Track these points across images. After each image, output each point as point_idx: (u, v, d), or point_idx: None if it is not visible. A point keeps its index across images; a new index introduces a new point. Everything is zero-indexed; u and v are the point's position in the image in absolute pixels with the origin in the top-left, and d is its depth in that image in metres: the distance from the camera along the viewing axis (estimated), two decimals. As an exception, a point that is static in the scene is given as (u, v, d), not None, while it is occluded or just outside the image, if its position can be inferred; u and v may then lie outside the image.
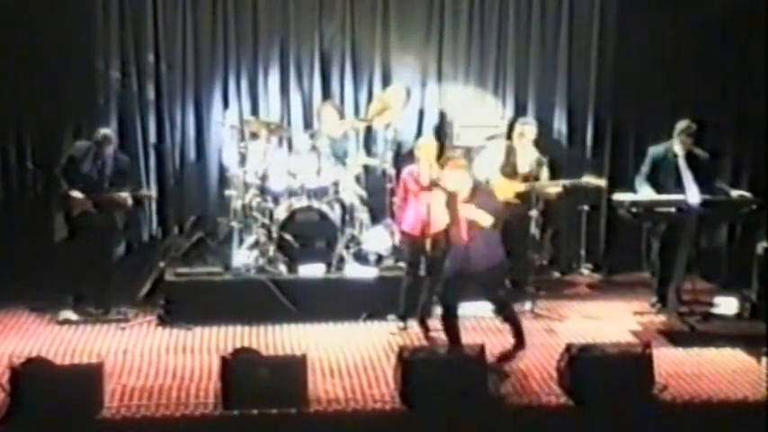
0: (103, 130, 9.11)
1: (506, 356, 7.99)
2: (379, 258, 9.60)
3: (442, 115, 10.78)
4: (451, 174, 7.88)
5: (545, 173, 9.40)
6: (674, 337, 8.58)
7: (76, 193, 8.86)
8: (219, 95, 10.70)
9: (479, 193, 7.86)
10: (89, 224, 8.93)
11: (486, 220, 7.74)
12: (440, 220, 8.16)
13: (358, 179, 10.06)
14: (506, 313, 8.15)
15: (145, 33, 10.53)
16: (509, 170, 9.37)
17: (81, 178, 8.92)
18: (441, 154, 9.04)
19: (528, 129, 9.46)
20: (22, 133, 10.38)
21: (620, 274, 10.73)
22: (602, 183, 9.40)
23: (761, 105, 10.61)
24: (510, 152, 9.44)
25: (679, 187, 8.97)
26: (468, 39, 10.92)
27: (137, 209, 10.07)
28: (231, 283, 9.14)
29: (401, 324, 8.74)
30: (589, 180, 9.28)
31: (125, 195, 8.99)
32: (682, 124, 9.15)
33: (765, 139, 10.74)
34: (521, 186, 9.30)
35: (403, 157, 10.28)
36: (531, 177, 9.33)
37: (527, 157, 9.38)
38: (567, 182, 9.33)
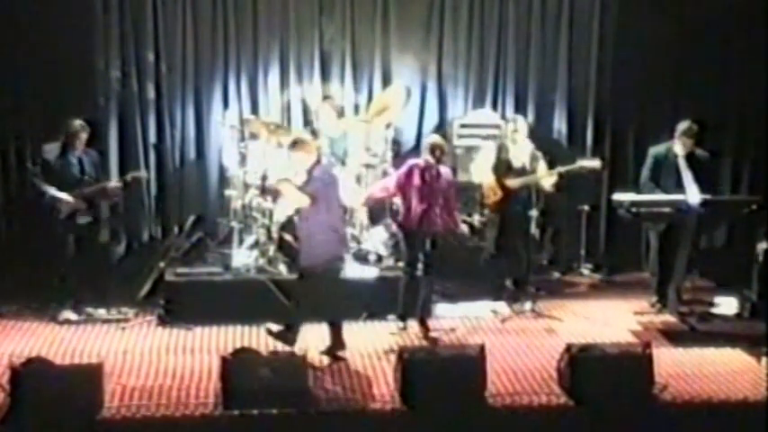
0: (76, 121, 9.06)
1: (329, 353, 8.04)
2: (379, 258, 9.60)
3: None
4: (294, 155, 8.02)
5: (542, 166, 9.35)
6: (674, 337, 8.58)
7: (64, 195, 8.83)
8: (219, 95, 10.72)
9: (315, 177, 7.94)
10: (77, 225, 8.92)
11: (300, 200, 7.88)
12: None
13: (358, 179, 10.06)
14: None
15: (145, 33, 10.55)
16: (502, 168, 9.34)
17: (62, 179, 8.89)
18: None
19: (519, 125, 9.42)
20: (22, 133, 10.38)
21: (620, 274, 10.73)
22: (597, 164, 9.30)
23: (761, 105, 10.61)
24: (501, 150, 9.41)
25: (679, 187, 8.98)
26: (468, 39, 10.93)
27: (135, 204, 10.14)
28: (231, 283, 9.14)
29: (401, 324, 8.73)
30: (583, 164, 9.23)
31: (115, 184, 9.00)
32: (683, 125, 9.13)
33: (765, 139, 10.75)
34: (515, 182, 9.27)
35: (403, 157, 10.28)
36: (527, 173, 9.28)
37: (520, 152, 9.34)
38: (562, 169, 9.26)
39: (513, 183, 9.25)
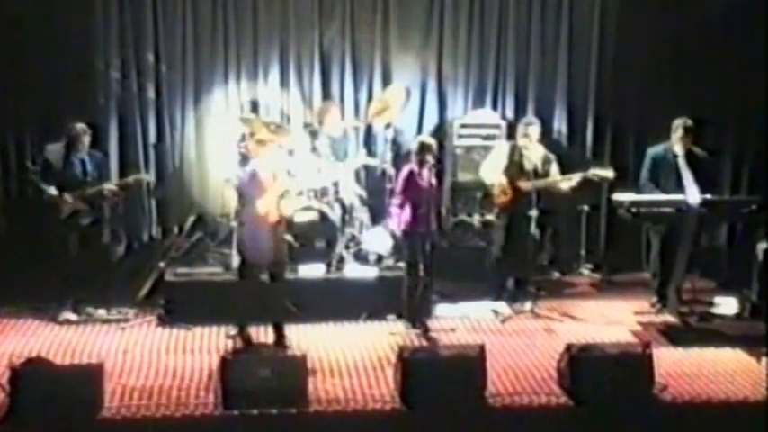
0: (78, 124, 9.08)
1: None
2: (379, 258, 9.60)
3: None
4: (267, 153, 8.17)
5: (555, 169, 9.32)
6: (674, 337, 8.58)
7: (66, 196, 8.84)
8: (219, 95, 10.71)
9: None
10: (79, 225, 8.93)
11: (288, 208, 8.13)
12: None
13: (357, 175, 10.06)
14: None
15: (145, 33, 10.55)
16: (515, 170, 9.30)
17: (64, 179, 8.89)
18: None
19: (532, 128, 9.38)
20: (22, 133, 10.38)
21: (620, 274, 10.72)
22: (610, 174, 9.29)
23: (761, 105, 10.61)
24: (514, 152, 9.38)
25: (679, 187, 8.97)
26: (468, 39, 10.94)
27: (135, 205, 10.13)
28: (231, 283, 9.13)
29: (409, 325, 8.72)
30: (597, 172, 9.22)
31: (111, 186, 9.01)
32: (678, 121, 9.14)
33: (765, 139, 10.74)
34: (527, 185, 9.25)
35: (403, 157, 10.29)
36: (538, 175, 9.26)
37: (533, 155, 9.32)
38: (575, 176, 9.26)
39: (526, 185, 9.22)
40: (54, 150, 9.05)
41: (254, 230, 8.10)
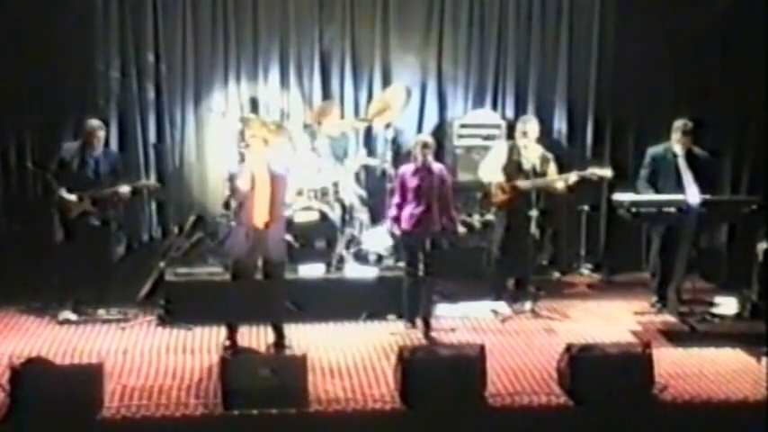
0: (94, 120, 9.09)
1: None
2: (379, 258, 9.60)
3: None
4: (258, 149, 8.13)
5: (552, 168, 9.34)
6: (674, 337, 8.58)
7: (72, 196, 8.84)
8: (219, 95, 10.71)
9: (278, 177, 8.11)
10: (87, 225, 8.93)
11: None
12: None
13: (357, 177, 10.05)
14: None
15: (145, 33, 10.55)
16: (513, 169, 9.31)
17: (77, 179, 8.90)
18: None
19: (530, 126, 9.39)
20: (22, 133, 10.38)
21: (620, 274, 10.73)
22: (608, 173, 9.31)
23: (761, 105, 10.61)
24: (513, 151, 9.39)
25: (679, 187, 8.98)
26: (468, 39, 10.94)
27: (135, 205, 10.14)
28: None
29: (409, 324, 8.72)
30: (595, 171, 9.24)
31: (126, 189, 9.01)
32: (678, 123, 9.16)
33: (765, 139, 10.75)
34: (525, 184, 9.25)
35: (403, 156, 10.29)
36: (537, 174, 9.27)
37: (531, 154, 9.33)
38: (573, 174, 9.26)
39: (524, 184, 9.22)
40: (69, 149, 9.07)
41: (238, 228, 8.13)
